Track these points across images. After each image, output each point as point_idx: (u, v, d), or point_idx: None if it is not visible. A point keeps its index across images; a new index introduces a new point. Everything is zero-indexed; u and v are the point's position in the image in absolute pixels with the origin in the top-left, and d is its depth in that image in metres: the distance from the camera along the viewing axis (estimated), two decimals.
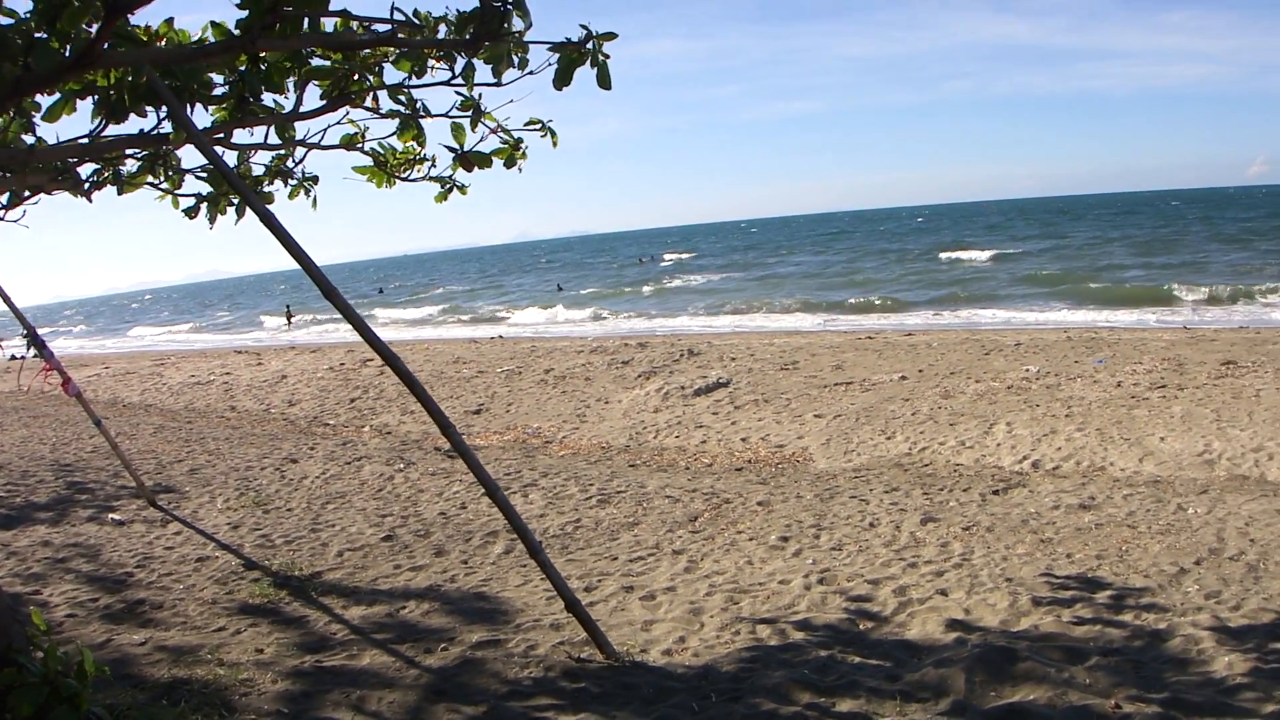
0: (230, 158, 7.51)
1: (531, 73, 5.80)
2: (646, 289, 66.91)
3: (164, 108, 5.62)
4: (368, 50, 6.33)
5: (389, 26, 5.07)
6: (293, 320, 64.82)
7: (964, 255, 67.50)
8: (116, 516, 11.26)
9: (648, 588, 8.42)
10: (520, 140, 7.18)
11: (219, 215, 7.82)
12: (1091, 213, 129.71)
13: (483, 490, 6.44)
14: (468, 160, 7.19)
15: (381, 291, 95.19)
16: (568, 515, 11.06)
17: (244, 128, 6.66)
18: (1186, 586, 7.89)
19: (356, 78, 6.50)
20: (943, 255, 69.53)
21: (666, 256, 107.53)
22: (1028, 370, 18.85)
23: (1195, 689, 5.87)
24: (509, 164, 7.27)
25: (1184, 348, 20.70)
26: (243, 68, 5.94)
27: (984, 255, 66.04)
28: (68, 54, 4.27)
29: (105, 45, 3.96)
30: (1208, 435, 13.38)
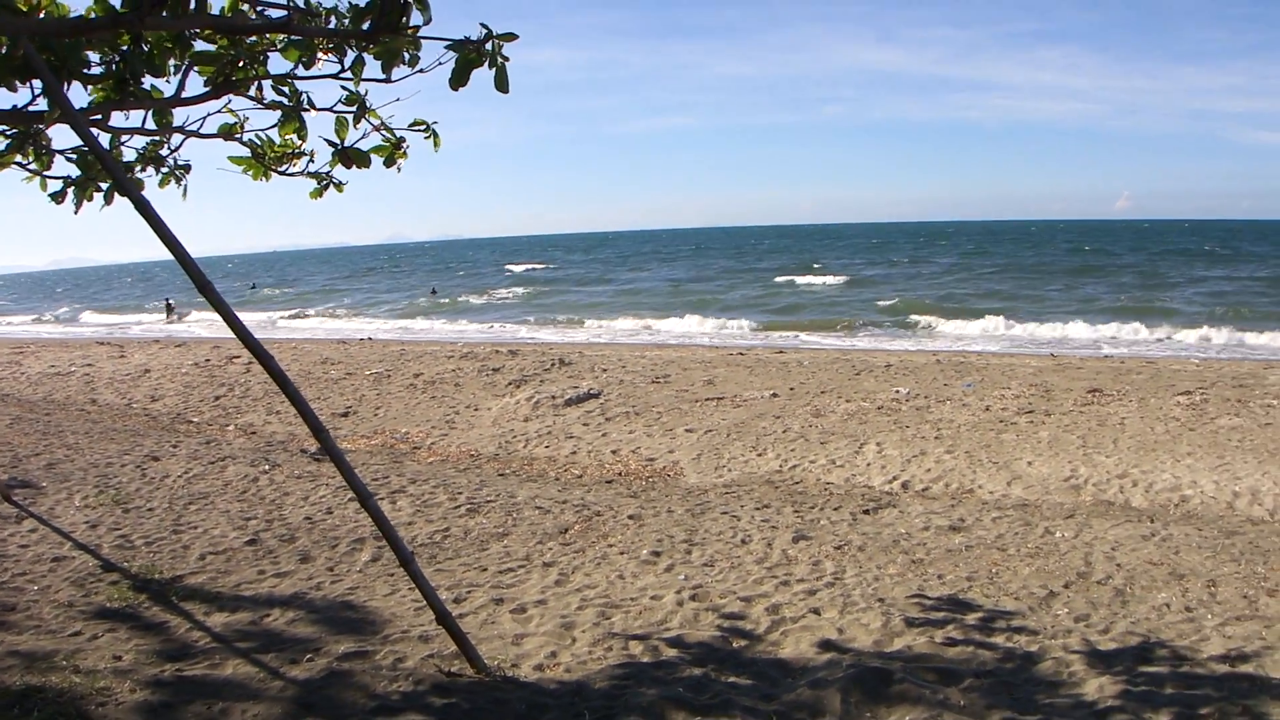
0: (104, 141, 7.19)
1: (422, 71, 5.62)
2: (510, 294, 66.82)
3: (38, 83, 5.32)
4: (255, 38, 6.10)
5: (283, 13, 4.85)
6: (174, 314, 62.27)
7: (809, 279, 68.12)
8: None
9: (518, 600, 8.21)
10: (402, 140, 6.98)
11: (86, 200, 7.47)
12: (961, 238, 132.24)
13: (350, 495, 6.21)
14: (347, 157, 6.96)
15: (254, 287, 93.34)
16: (436, 524, 10.79)
17: (122, 110, 6.36)
18: (1056, 609, 7.95)
19: (242, 65, 6.25)
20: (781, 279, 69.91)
21: (533, 266, 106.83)
22: (898, 391, 19.04)
23: (1068, 711, 5.87)
24: (389, 163, 7.05)
25: (1051, 374, 21.13)
26: (125, 47, 5.67)
27: (835, 280, 66.79)
28: None
29: None
30: (1074, 460, 13.62)
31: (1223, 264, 72.16)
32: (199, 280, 5.68)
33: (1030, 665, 6.68)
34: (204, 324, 52.05)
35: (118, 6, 4.87)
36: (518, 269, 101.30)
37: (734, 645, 7.21)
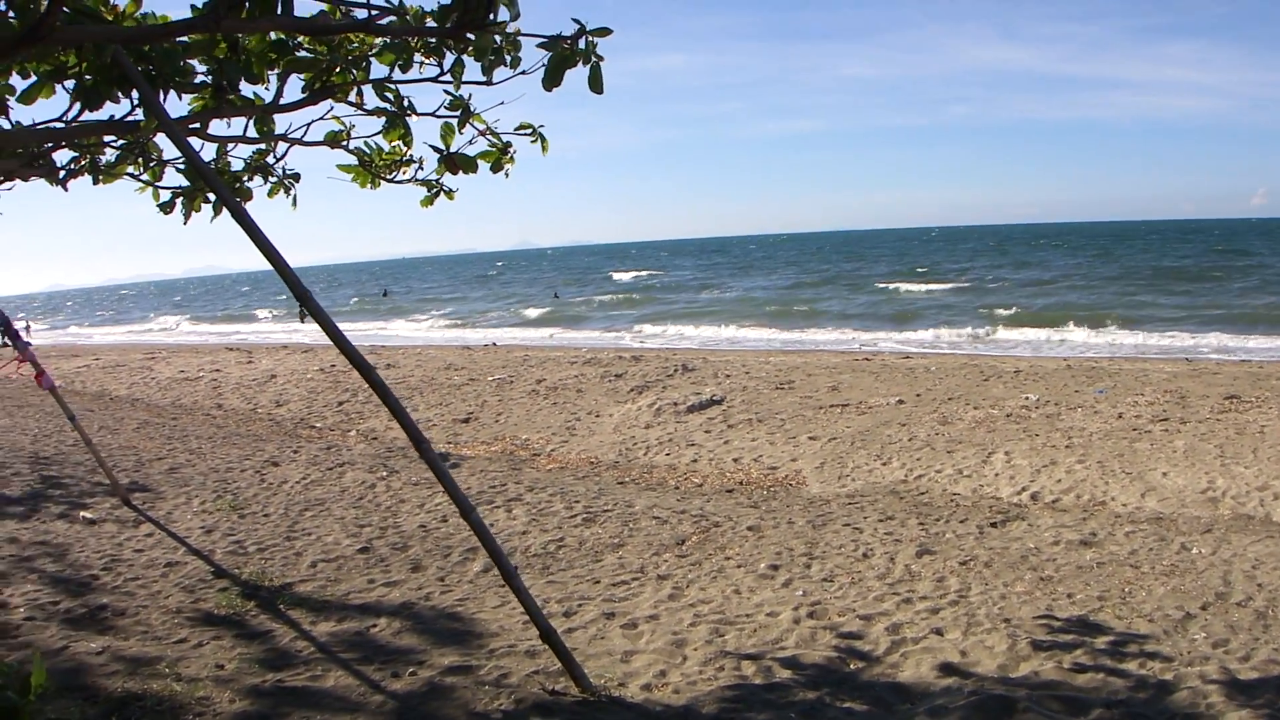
0: (210, 151, 7.20)
1: (524, 72, 5.51)
2: (635, 298, 66.86)
3: (136, 93, 5.31)
4: (355, 44, 6.05)
5: (368, 13, 4.76)
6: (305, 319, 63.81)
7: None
8: (88, 515, 10.90)
9: (630, 615, 8.08)
10: (509, 144, 6.88)
11: (195, 211, 7.50)
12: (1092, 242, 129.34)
13: (470, 502, 6.12)
14: (453, 163, 6.89)
15: (386, 294, 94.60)
16: (551, 533, 10.72)
17: (221, 118, 6.35)
18: (1193, 633, 7.59)
19: (339, 71, 6.20)
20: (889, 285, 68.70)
21: (639, 273, 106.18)
22: (1027, 398, 18.58)
23: None
24: (495, 168, 6.96)
25: (1186, 380, 20.45)
26: (222, 57, 5.64)
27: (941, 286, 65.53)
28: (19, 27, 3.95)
29: (58, 20, 3.64)
30: (1211, 471, 13.09)
31: None
32: (298, 290, 5.65)
33: (1164, 695, 6.36)
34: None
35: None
36: (624, 276, 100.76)
37: (851, 667, 7.00)
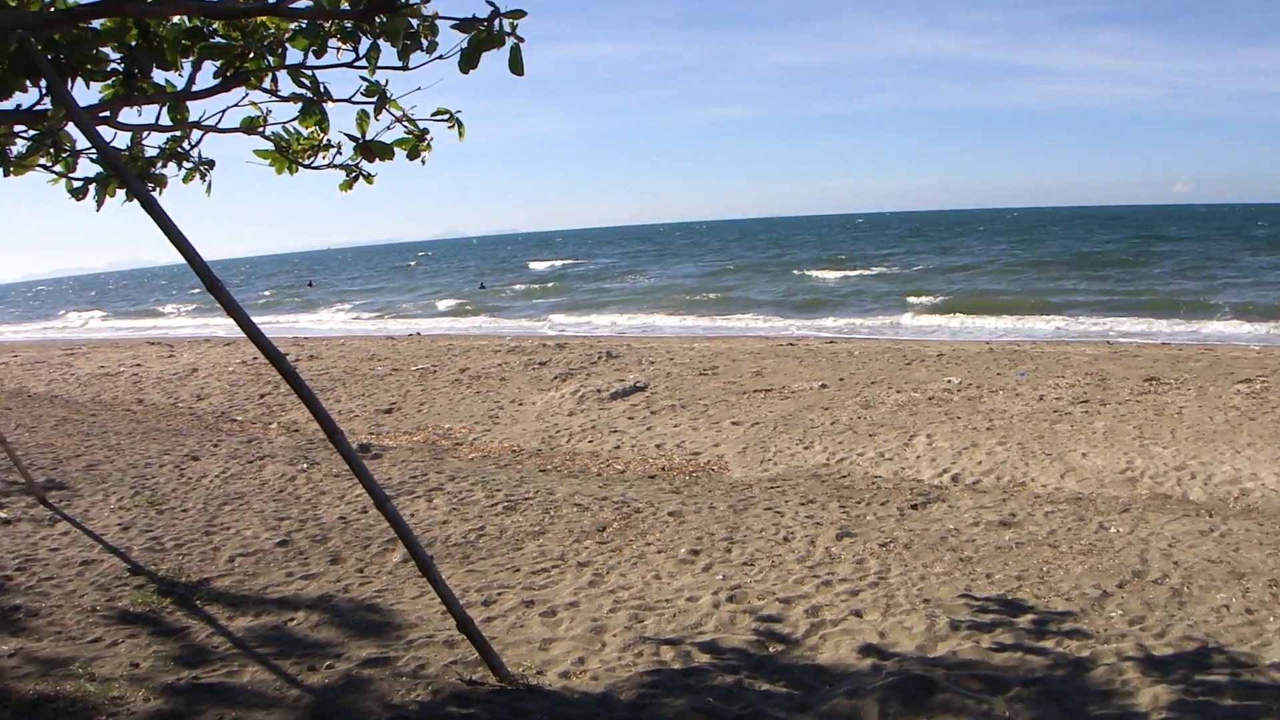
0: (124, 140, 7.01)
1: (441, 57, 5.41)
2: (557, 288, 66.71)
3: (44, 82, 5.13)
4: (270, 30, 5.89)
5: None
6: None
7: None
8: (2, 514, 10.61)
9: (549, 603, 7.97)
10: (426, 131, 6.76)
11: (109, 196, 7.29)
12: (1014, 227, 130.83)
13: (388, 493, 5.99)
14: (369, 150, 6.76)
15: (311, 285, 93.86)
16: (472, 522, 10.58)
17: (132, 106, 6.18)
18: (1110, 611, 7.61)
19: (254, 57, 6.04)
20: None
21: (555, 262, 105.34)
22: (949, 382, 18.68)
23: None
24: (412, 155, 6.84)
25: (1107, 363, 20.66)
26: (134, 43, 5.48)
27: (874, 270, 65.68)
28: None
29: None
30: (1130, 452, 13.21)
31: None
32: (208, 280, 5.49)
33: (1081, 673, 6.36)
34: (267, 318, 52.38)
35: None
36: (551, 265, 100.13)
37: (770, 650, 6.94)
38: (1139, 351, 23.47)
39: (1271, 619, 7.42)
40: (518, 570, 8.93)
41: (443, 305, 59.79)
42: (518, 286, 70.42)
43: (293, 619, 7.63)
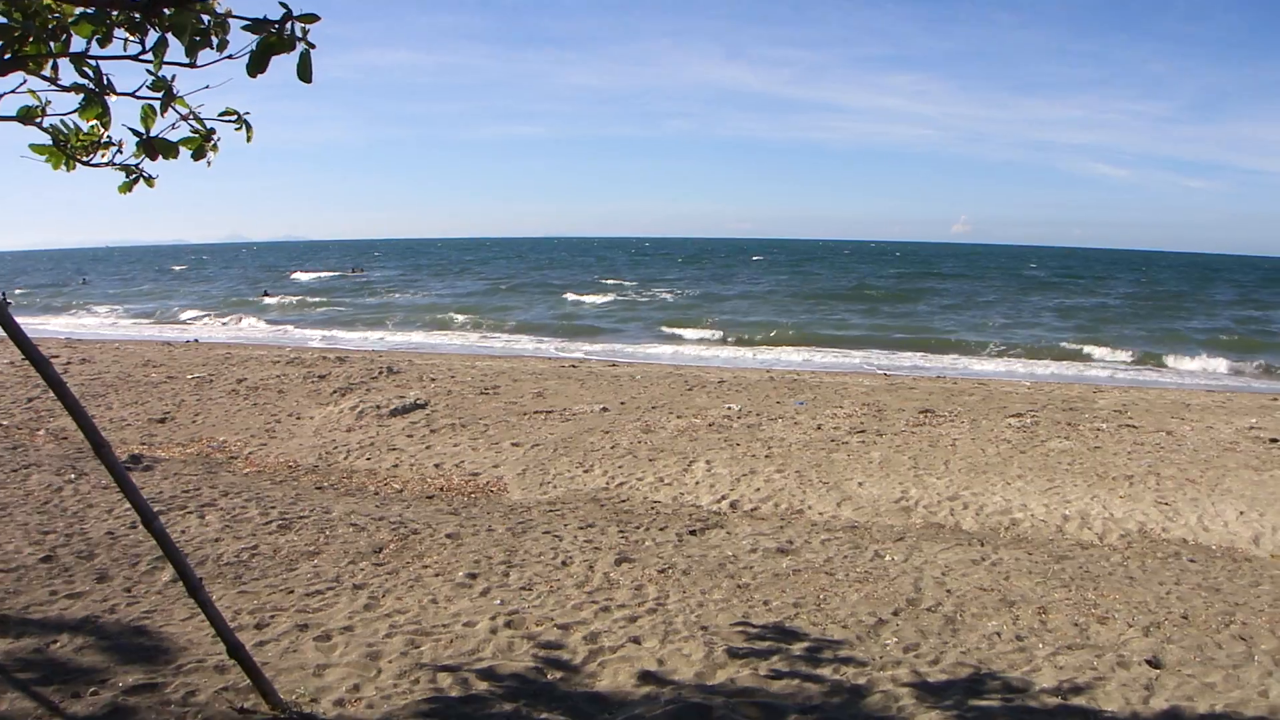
0: None
1: (231, 56, 5.11)
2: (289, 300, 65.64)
3: None
4: (55, 15, 5.52)
5: None
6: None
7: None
8: None
9: (324, 626, 7.65)
10: (213, 131, 6.43)
11: None
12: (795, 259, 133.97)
13: (156, 508, 5.64)
14: (153, 148, 6.39)
15: (85, 282, 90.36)
16: (245, 541, 10.13)
17: None
18: (885, 638, 7.70)
19: (34, 41, 5.65)
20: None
21: (322, 274, 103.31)
22: (729, 408, 18.87)
23: None
24: (198, 155, 6.48)
25: (884, 394, 21.20)
26: None
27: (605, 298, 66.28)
28: None
29: None
30: (905, 482, 13.53)
31: (1056, 290, 74.22)
32: None
33: (858, 699, 6.40)
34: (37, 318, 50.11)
35: None
36: (305, 277, 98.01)
37: (549, 677, 6.79)
38: (915, 384, 24.20)
39: (1041, 645, 7.63)
40: (291, 592, 8.56)
41: (221, 312, 58.17)
42: (294, 297, 68.96)
43: (56, 641, 7.14)
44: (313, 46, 4.83)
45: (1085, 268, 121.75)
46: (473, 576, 9.09)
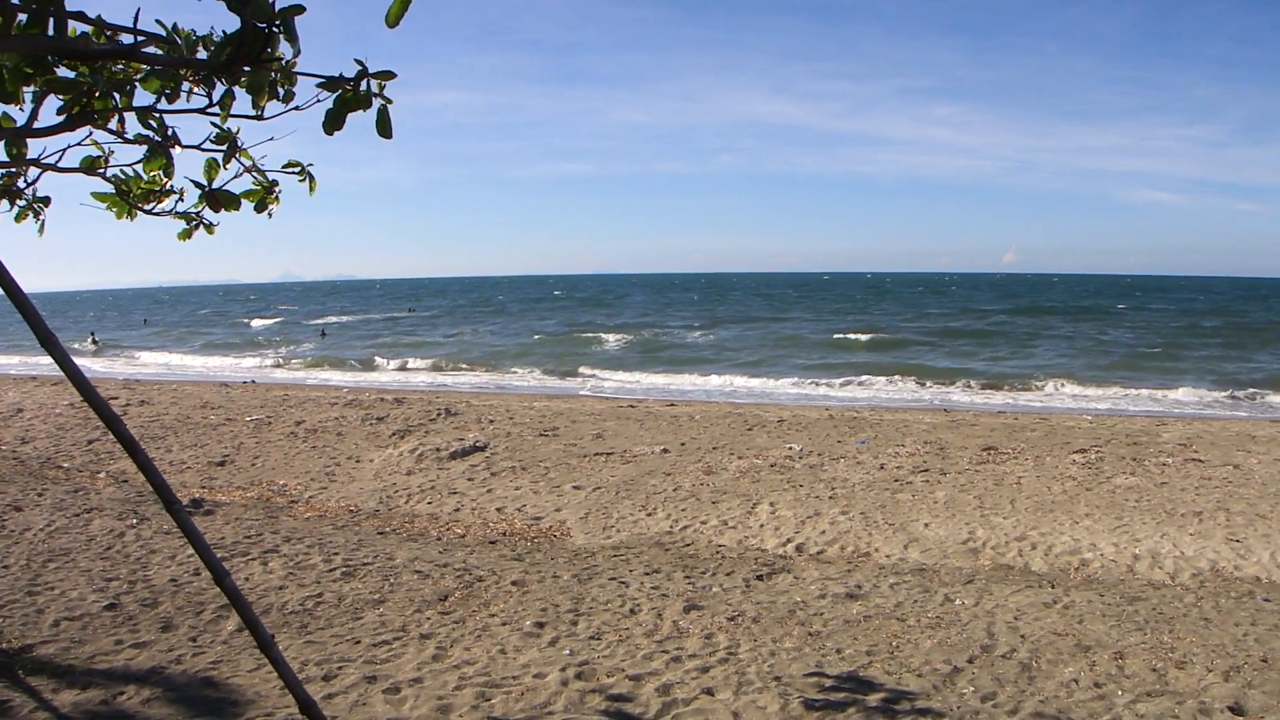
0: None
1: (298, 108, 5.10)
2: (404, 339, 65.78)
3: None
4: (120, 67, 5.54)
5: (134, 39, 4.30)
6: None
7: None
8: None
9: (392, 678, 7.61)
10: (275, 183, 6.44)
11: None
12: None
13: (218, 554, 5.60)
14: (215, 199, 6.41)
15: (146, 323, 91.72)
16: (309, 588, 10.13)
17: None
18: (961, 687, 7.56)
19: (101, 95, 5.68)
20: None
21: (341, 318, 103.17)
22: (791, 449, 18.72)
23: None
24: (259, 208, 6.50)
25: (945, 431, 20.97)
26: None
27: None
28: None
29: None
30: (972, 522, 13.35)
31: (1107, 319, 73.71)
32: (41, 332, 5.09)
33: None
34: (101, 361, 51.08)
35: None
36: (358, 317, 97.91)
37: None
38: (976, 420, 23.93)
39: (1120, 692, 7.47)
40: (358, 642, 8.53)
41: (280, 353, 58.59)
42: (350, 336, 69.41)
43: (123, 693, 7.16)
44: (390, 102, 4.82)
45: (1128, 294, 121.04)
46: (540, 625, 9.02)
